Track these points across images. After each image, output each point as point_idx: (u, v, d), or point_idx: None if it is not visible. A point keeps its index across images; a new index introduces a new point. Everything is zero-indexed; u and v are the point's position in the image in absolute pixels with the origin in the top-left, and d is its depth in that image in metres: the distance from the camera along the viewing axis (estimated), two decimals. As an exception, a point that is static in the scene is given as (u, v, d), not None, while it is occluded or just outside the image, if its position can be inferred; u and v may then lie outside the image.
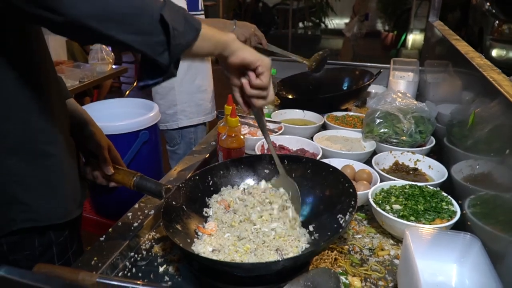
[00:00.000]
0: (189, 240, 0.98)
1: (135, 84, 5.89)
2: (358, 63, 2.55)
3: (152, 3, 0.74)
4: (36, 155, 0.95)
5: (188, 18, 0.78)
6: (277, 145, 1.51)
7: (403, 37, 8.00)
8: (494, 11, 6.21)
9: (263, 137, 1.54)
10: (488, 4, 6.48)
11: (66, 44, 3.83)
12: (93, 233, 1.98)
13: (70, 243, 1.07)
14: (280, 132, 1.60)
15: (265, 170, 1.20)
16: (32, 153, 0.94)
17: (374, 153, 1.46)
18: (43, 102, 0.91)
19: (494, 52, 5.84)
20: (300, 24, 8.97)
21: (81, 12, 0.67)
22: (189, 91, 2.08)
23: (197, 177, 1.14)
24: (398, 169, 1.38)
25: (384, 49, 8.34)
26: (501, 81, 0.95)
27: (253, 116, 1.75)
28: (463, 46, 1.44)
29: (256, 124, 1.66)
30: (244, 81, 0.92)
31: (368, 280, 0.95)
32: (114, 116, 1.94)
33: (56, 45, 3.45)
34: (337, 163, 1.32)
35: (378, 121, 1.49)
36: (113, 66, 3.63)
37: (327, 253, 1.03)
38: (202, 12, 2.08)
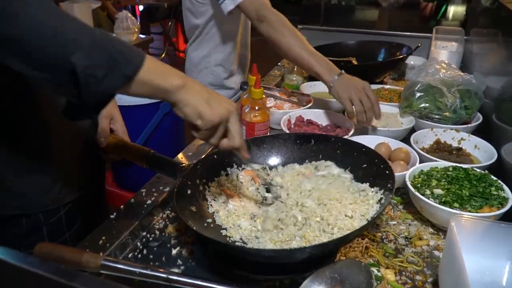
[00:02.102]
0: (205, 224, 0.89)
1: (163, 55, 5.83)
2: (395, 33, 2.36)
3: (70, 43, 0.63)
4: (23, 139, 0.89)
5: (119, 60, 0.67)
6: (305, 120, 1.39)
7: (443, 8, 7.56)
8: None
9: (290, 110, 1.43)
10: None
11: (92, 13, 3.77)
12: (115, 206, 1.95)
13: (67, 225, 1.01)
14: (309, 105, 1.48)
15: (290, 151, 1.09)
16: (19, 137, 0.89)
17: (413, 130, 1.32)
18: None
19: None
20: (334, -6, 8.61)
21: None
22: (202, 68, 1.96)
23: (215, 156, 1.05)
24: (440, 149, 1.24)
25: (423, 20, 7.92)
26: None
27: (279, 88, 1.64)
28: (520, 10, 1.26)
29: (284, 97, 1.55)
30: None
31: (404, 273, 0.84)
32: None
33: (82, 14, 3.39)
34: (371, 140, 1.20)
35: (418, 94, 1.35)
36: (140, 36, 3.55)
37: (357, 240, 0.92)
38: None
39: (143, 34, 3.72)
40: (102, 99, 0.69)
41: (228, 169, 1.06)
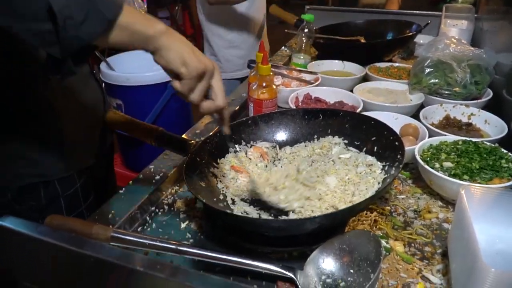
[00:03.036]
0: (215, 199, 0.90)
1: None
2: (404, 11, 2.32)
3: None
4: (37, 109, 0.91)
5: (98, 3, 0.64)
6: (312, 98, 1.38)
7: (453, -11, 7.44)
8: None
9: (298, 88, 1.42)
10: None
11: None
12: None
13: (83, 196, 1.03)
14: (317, 83, 1.47)
15: (299, 127, 1.09)
16: (32, 107, 0.90)
17: (422, 106, 1.31)
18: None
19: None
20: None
21: None
22: (219, 45, 1.97)
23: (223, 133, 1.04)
24: (449, 124, 1.23)
25: (432, 1, 7.80)
26: None
27: (287, 67, 1.63)
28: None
29: (292, 74, 1.54)
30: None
31: (413, 245, 0.84)
32: (142, 67, 1.86)
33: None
34: (380, 116, 1.18)
35: (427, 70, 1.33)
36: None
37: (366, 214, 0.92)
38: None
39: (149, 18, 3.69)
40: (82, 46, 0.66)
41: (236, 146, 1.06)
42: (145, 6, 3.64)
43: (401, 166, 0.83)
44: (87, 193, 1.07)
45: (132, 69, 1.83)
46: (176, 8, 5.91)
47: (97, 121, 1.13)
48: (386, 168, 0.89)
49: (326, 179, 0.90)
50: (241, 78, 2.07)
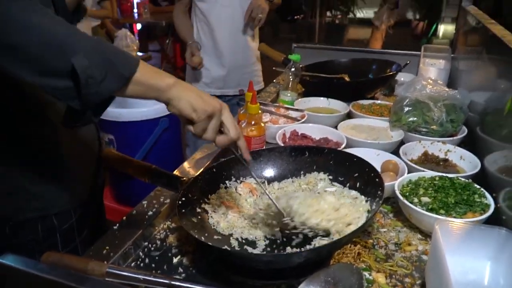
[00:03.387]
0: (206, 234, 0.94)
1: (160, 74, 5.90)
2: (386, 51, 2.44)
3: (69, 47, 0.68)
4: (41, 144, 0.95)
5: (116, 63, 0.72)
6: (299, 134, 1.45)
7: (434, 27, 7.72)
8: (532, -3, 5.92)
9: (285, 125, 1.49)
10: (525, -10, 6.18)
11: (91, 31, 3.85)
12: (114, 221, 1.98)
13: (78, 231, 1.06)
14: (303, 120, 1.54)
15: (286, 163, 1.15)
16: (36, 142, 0.95)
17: (402, 143, 1.38)
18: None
19: (531, 41, 5.57)
20: (328, 13, 8.79)
21: None
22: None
23: (214, 170, 1.10)
24: (428, 160, 1.30)
25: (415, 38, 8.09)
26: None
27: (275, 104, 1.71)
28: (499, 30, 1.34)
29: (279, 112, 1.61)
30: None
31: (394, 276, 0.89)
32: (135, 103, 1.92)
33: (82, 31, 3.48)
34: (362, 152, 1.25)
35: (406, 109, 1.41)
36: (138, 54, 3.63)
37: (350, 247, 0.97)
38: None
39: (141, 52, 3.80)
40: (102, 100, 0.73)
41: (226, 182, 1.11)
42: (137, 40, 3.76)
43: (381, 201, 0.89)
44: (82, 227, 1.11)
45: (124, 104, 1.89)
46: (167, 41, 6.05)
47: (93, 157, 1.17)
48: (368, 202, 0.95)
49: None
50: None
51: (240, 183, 1.12)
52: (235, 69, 2.25)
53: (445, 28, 6.94)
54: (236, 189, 1.10)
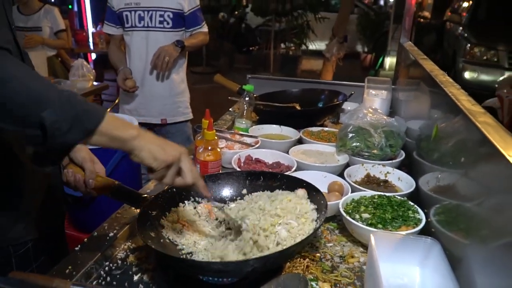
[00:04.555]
0: (162, 247, 1.00)
1: (116, 101, 5.89)
2: (335, 82, 2.62)
3: (41, 103, 0.75)
4: None
5: (83, 117, 0.79)
6: (253, 159, 1.55)
7: (380, 59, 8.23)
8: (466, 35, 6.46)
9: (240, 150, 1.58)
10: (460, 28, 6.75)
11: (47, 61, 3.83)
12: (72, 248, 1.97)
13: (34, 256, 1.08)
14: (257, 146, 1.64)
15: (242, 187, 1.23)
16: None
17: (347, 165, 1.51)
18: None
19: (467, 74, 6.04)
20: (282, 45, 9.13)
21: None
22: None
23: (174, 189, 1.16)
24: (370, 181, 1.43)
25: (363, 70, 8.55)
26: (459, 95, 1.02)
27: (230, 131, 1.80)
28: (428, 65, 1.51)
29: (235, 138, 1.71)
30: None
31: (338, 285, 0.99)
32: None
33: (37, 62, 3.46)
34: (311, 175, 1.36)
35: (350, 135, 1.55)
36: (94, 83, 3.64)
37: (300, 260, 1.06)
38: (203, 24, 2.50)
39: (97, 81, 3.82)
40: (65, 148, 0.81)
41: (186, 202, 1.17)
42: (93, 69, 3.79)
43: (322, 220, 0.99)
44: (38, 253, 1.12)
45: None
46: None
47: (50, 187, 1.19)
48: (314, 223, 1.05)
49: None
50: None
51: (199, 203, 1.19)
52: (156, 99, 2.48)
53: (391, 61, 7.43)
54: (195, 208, 1.17)
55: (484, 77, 5.93)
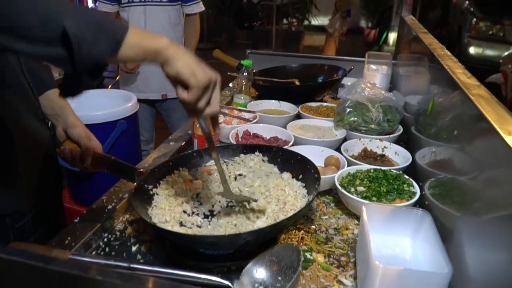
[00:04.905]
0: (157, 220, 1.02)
1: (117, 78, 5.87)
2: (335, 57, 2.60)
3: (58, 10, 0.69)
4: None
5: (106, 26, 0.72)
6: (251, 134, 1.56)
7: (384, 35, 8.13)
8: (472, 9, 6.36)
9: (238, 125, 1.59)
10: (466, 2, 6.63)
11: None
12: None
13: (33, 229, 1.10)
14: (255, 121, 1.65)
15: (238, 159, 1.25)
16: None
17: (345, 140, 1.52)
18: None
19: (472, 49, 5.98)
20: (284, 20, 9.02)
21: None
22: None
23: (170, 163, 1.18)
24: (367, 156, 1.44)
25: (367, 45, 8.46)
26: (455, 68, 1.01)
27: (229, 106, 1.81)
28: (428, 39, 1.50)
29: (233, 113, 1.71)
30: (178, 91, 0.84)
31: (332, 256, 1.01)
32: (93, 106, 1.96)
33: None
34: (308, 149, 1.37)
35: (348, 110, 1.55)
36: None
37: (295, 232, 1.08)
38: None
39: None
40: (95, 64, 0.72)
41: (180, 168, 1.18)
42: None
43: (315, 193, 1.01)
44: (36, 226, 1.13)
45: (82, 108, 1.92)
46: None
47: (45, 159, 1.18)
48: (307, 193, 1.07)
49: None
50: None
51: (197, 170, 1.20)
52: (156, 75, 2.46)
53: (395, 36, 7.33)
54: (195, 174, 1.18)
55: (489, 52, 5.87)
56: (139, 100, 2.18)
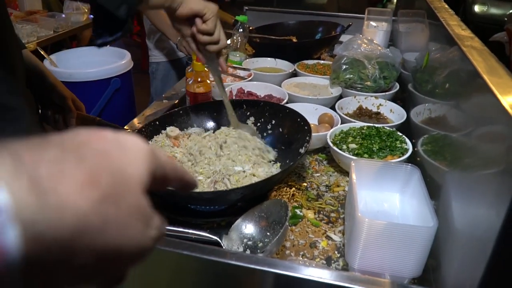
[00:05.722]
0: None
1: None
2: (334, 13, 2.53)
3: None
4: None
5: None
6: (245, 91, 1.53)
7: (389, -8, 7.88)
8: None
9: (232, 83, 1.56)
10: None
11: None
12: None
13: None
14: (250, 78, 1.62)
15: (225, 115, 1.23)
16: None
17: (340, 98, 1.49)
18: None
19: (477, 8, 5.81)
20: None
21: None
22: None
23: (157, 122, 1.16)
24: (362, 114, 1.42)
25: (370, 3, 8.22)
26: (450, 20, 0.97)
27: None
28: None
29: (227, 71, 1.68)
30: (193, 29, 1.00)
31: (322, 212, 1.01)
32: (86, 64, 1.93)
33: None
34: (302, 107, 1.36)
35: (344, 67, 1.52)
36: (90, 16, 3.55)
37: (286, 189, 1.08)
38: None
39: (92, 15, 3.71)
40: (139, 3, 0.86)
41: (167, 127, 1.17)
42: (88, 4, 3.67)
43: (308, 145, 1.00)
44: None
45: (75, 66, 1.89)
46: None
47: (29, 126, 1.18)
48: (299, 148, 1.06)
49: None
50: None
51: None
52: None
53: (398, -6, 7.09)
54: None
55: (494, 10, 5.71)
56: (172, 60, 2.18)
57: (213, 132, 1.17)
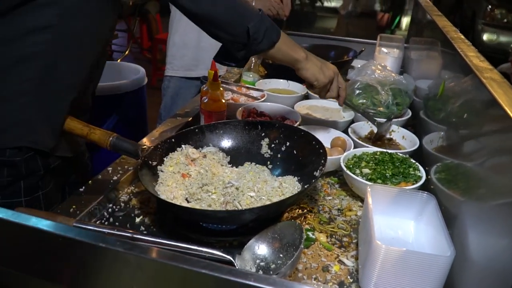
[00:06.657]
0: (165, 197, 1.02)
1: (126, 52, 5.86)
2: (346, 38, 2.57)
3: (246, 17, 1.01)
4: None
5: (270, 32, 1.04)
6: (258, 112, 1.55)
7: (397, 19, 7.98)
8: (487, -5, 6.23)
9: (245, 103, 1.58)
10: (482, -12, 6.50)
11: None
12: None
13: (42, 183, 1.08)
14: (263, 99, 1.64)
15: (240, 136, 1.24)
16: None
17: (353, 122, 1.50)
18: None
19: (485, 36, 5.88)
20: (296, 1, 8.87)
21: (193, 10, 1.01)
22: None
23: (173, 140, 1.17)
24: (374, 139, 1.42)
25: (379, 29, 8.31)
26: (468, 51, 0.99)
27: (237, 83, 1.79)
28: (442, 22, 1.47)
29: (241, 91, 1.70)
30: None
31: (334, 236, 1.01)
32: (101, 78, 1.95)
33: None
34: (314, 129, 1.37)
35: (357, 92, 1.53)
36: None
37: (298, 211, 1.08)
38: None
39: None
40: (257, 53, 1.08)
41: (183, 145, 1.17)
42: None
43: (323, 169, 1.00)
44: (46, 182, 1.10)
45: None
46: (134, 21, 5.98)
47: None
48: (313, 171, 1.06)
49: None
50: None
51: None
52: (203, 51, 2.29)
53: (407, 20, 7.19)
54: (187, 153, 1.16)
55: (503, 40, 5.77)
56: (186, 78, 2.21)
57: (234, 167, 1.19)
